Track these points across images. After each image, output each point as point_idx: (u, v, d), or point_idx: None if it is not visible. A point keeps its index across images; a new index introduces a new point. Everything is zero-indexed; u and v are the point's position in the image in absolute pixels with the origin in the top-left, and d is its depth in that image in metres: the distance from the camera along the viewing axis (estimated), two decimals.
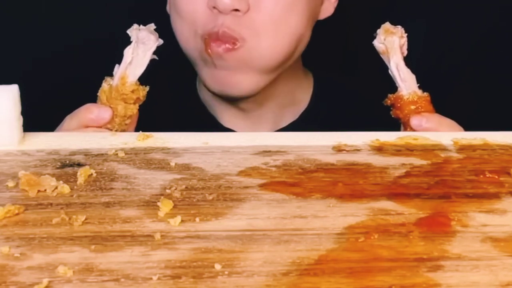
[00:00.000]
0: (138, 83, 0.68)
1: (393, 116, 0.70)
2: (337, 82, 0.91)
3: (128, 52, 0.68)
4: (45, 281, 0.38)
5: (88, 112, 0.66)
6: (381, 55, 0.71)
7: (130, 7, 1.07)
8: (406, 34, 0.70)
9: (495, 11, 1.11)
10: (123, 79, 0.67)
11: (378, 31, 0.70)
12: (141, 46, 0.68)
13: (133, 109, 0.67)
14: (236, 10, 0.73)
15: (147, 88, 0.68)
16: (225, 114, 0.85)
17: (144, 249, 0.42)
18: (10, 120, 0.55)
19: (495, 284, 0.39)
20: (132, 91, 0.67)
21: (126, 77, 0.67)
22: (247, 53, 0.75)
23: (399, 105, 0.69)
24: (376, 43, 0.70)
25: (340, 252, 0.42)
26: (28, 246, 0.42)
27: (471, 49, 1.12)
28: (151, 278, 0.39)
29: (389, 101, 0.70)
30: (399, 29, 0.70)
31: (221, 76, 0.77)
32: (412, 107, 0.68)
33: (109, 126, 0.67)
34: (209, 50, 0.74)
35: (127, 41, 0.69)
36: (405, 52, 0.70)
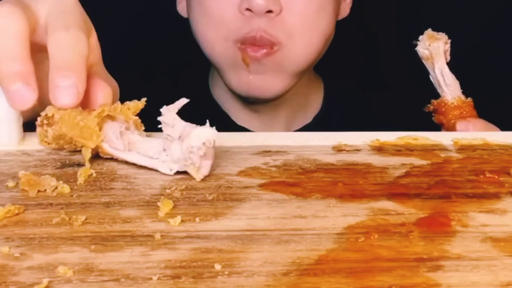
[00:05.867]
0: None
1: (435, 121, 0.70)
2: (346, 86, 0.91)
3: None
4: (45, 281, 0.38)
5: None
6: (423, 61, 0.71)
7: (133, 8, 1.07)
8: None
9: (495, 12, 1.11)
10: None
11: (421, 37, 0.71)
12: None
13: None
14: (270, 11, 0.72)
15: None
16: (239, 115, 0.85)
17: (144, 249, 0.42)
18: (10, 120, 0.55)
19: (495, 284, 0.39)
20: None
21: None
22: (283, 56, 0.74)
23: (443, 110, 0.69)
24: (421, 49, 0.71)
25: (340, 252, 0.42)
26: (28, 246, 0.42)
27: (471, 49, 1.12)
28: (151, 278, 0.39)
29: (431, 107, 0.70)
30: (443, 35, 0.71)
31: (252, 81, 0.76)
32: (456, 112, 0.69)
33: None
34: (247, 59, 0.73)
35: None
36: (448, 58, 0.71)
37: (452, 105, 0.69)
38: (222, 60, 0.76)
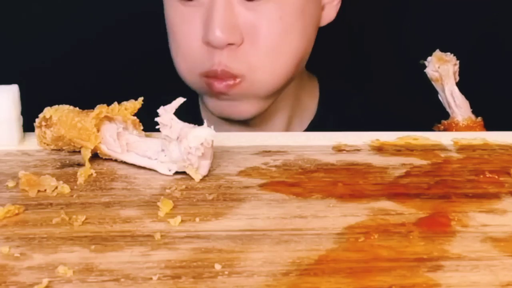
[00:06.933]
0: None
1: None
2: (343, 88, 0.91)
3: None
4: (45, 281, 0.38)
5: None
6: (433, 83, 0.71)
7: (129, 8, 1.07)
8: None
9: (494, 11, 1.11)
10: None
11: (430, 59, 0.71)
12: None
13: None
14: (231, 44, 0.72)
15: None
16: (232, 129, 0.84)
17: (144, 249, 0.42)
18: (10, 120, 0.55)
19: (495, 284, 0.39)
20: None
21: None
22: (249, 85, 0.74)
23: (453, 130, 0.69)
24: (430, 71, 0.71)
25: (340, 252, 0.42)
26: (28, 246, 0.42)
27: (470, 49, 1.12)
28: (151, 278, 0.39)
29: (442, 127, 0.70)
30: (452, 57, 0.71)
31: (225, 106, 0.76)
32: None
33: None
34: (214, 91, 0.74)
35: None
36: (457, 78, 0.71)
37: (463, 126, 0.69)
38: (195, 88, 0.77)
